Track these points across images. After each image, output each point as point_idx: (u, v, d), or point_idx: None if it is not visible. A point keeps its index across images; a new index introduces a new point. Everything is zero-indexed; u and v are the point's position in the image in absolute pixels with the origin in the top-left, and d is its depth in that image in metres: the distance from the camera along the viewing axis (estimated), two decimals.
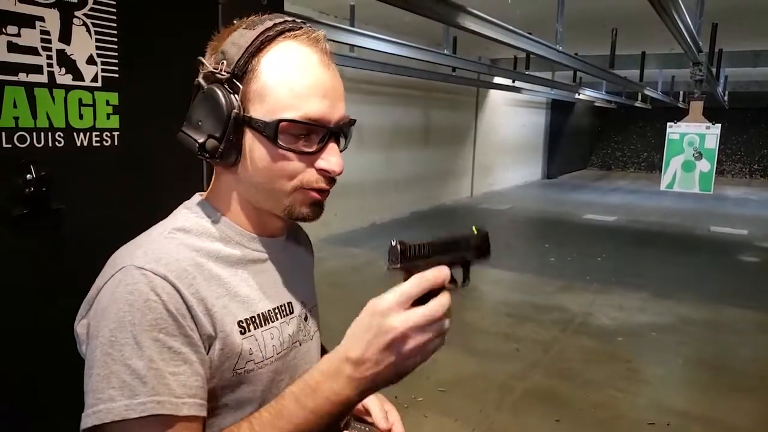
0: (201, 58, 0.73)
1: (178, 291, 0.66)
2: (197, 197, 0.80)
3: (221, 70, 0.70)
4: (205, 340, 0.68)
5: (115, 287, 0.65)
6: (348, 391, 0.63)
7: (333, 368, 0.63)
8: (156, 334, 0.64)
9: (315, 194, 0.73)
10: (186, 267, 0.69)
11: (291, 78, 0.69)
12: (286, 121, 0.69)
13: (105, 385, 0.62)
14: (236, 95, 0.70)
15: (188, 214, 0.77)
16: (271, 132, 0.69)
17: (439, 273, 0.62)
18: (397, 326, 0.60)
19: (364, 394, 0.64)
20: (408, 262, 0.62)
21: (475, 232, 0.71)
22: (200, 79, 0.72)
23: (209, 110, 0.70)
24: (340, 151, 0.75)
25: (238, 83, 0.70)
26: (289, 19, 0.73)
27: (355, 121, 0.77)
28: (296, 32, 0.72)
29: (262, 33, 0.70)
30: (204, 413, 0.67)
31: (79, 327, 0.70)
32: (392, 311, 0.61)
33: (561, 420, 2.81)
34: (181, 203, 0.80)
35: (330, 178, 0.73)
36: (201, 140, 0.70)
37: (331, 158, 0.72)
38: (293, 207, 0.74)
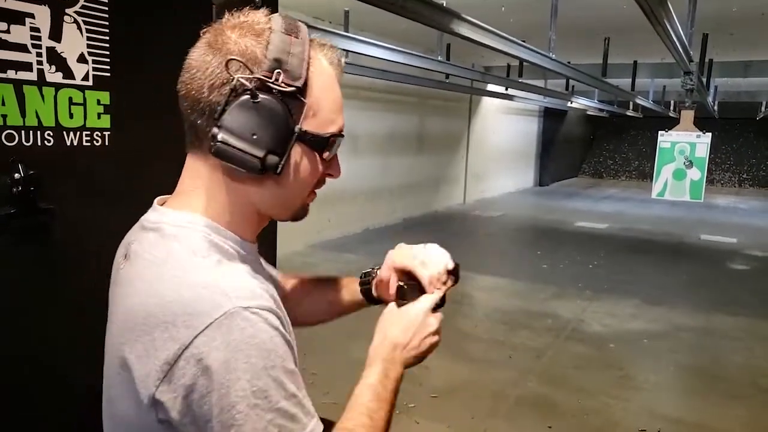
0: (237, 59, 0.64)
1: (279, 317, 0.65)
2: (190, 216, 0.70)
3: (280, 81, 0.65)
4: None
5: (229, 336, 0.60)
6: (400, 368, 0.80)
7: (388, 355, 0.79)
8: (286, 365, 0.64)
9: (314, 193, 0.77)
10: (266, 290, 0.67)
11: (331, 93, 0.72)
12: (334, 135, 0.71)
13: None
14: (292, 108, 0.66)
15: (203, 238, 0.68)
16: (321, 145, 0.71)
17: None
18: (434, 324, 0.84)
19: (404, 368, 0.81)
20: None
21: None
22: (248, 85, 0.64)
23: (267, 123, 0.65)
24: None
25: (301, 97, 0.67)
26: (302, 22, 0.71)
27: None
28: (324, 46, 0.72)
29: (309, 45, 0.69)
30: None
31: (162, 394, 0.61)
32: (431, 314, 0.84)
33: (553, 427, 2.80)
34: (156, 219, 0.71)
35: None
36: (261, 155, 0.65)
37: (339, 164, 0.77)
38: (304, 208, 0.76)
